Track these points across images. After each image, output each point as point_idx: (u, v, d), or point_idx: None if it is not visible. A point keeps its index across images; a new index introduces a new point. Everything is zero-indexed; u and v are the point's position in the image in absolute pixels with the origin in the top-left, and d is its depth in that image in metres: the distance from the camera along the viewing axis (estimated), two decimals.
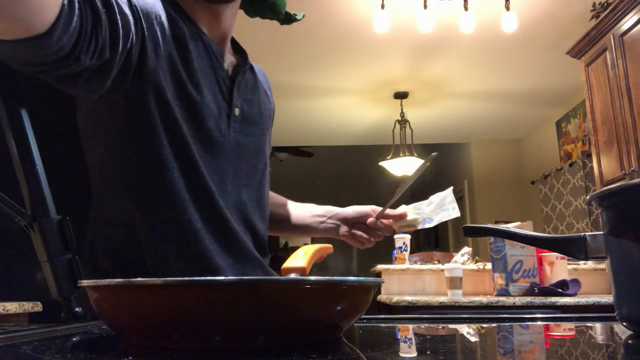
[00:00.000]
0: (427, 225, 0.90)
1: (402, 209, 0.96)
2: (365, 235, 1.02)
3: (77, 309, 0.68)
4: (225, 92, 0.89)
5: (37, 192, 0.65)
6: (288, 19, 0.99)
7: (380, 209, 0.99)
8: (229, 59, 0.95)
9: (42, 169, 0.65)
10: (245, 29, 3.66)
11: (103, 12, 0.64)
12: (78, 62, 0.63)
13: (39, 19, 0.55)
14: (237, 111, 0.90)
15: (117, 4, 0.67)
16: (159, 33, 0.78)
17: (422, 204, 0.93)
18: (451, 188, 0.94)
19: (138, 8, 0.74)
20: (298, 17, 1.00)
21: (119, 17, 0.67)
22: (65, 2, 0.57)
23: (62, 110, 2.21)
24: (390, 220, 0.98)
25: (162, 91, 0.79)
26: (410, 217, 0.92)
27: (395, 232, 0.93)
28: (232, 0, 0.88)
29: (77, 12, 0.59)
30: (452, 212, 0.89)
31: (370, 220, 0.99)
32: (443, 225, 7.79)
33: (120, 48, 0.68)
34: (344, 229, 1.05)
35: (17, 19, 0.53)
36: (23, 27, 0.54)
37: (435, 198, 0.92)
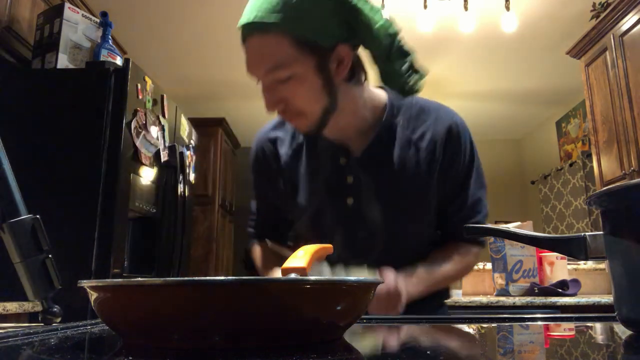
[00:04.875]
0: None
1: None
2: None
3: (55, 308, 0.68)
4: (336, 187, 0.99)
5: (5, 192, 0.64)
6: (409, 91, 0.95)
7: None
8: (360, 142, 1.00)
9: (9, 168, 0.64)
10: None
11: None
12: None
13: None
14: (350, 201, 0.98)
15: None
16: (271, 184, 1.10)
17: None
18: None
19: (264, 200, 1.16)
20: (417, 89, 0.93)
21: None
22: None
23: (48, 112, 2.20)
24: None
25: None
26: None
27: None
28: (320, 130, 0.95)
29: None
30: None
31: None
32: None
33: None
34: None
35: None
36: None
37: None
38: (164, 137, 2.47)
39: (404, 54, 0.91)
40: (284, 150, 1.06)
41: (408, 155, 0.99)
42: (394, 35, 0.90)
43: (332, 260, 0.86)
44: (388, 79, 0.93)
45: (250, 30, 0.88)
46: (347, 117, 0.96)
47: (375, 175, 0.97)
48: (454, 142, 1.00)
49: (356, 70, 0.95)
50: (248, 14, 0.88)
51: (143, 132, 2.26)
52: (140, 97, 2.27)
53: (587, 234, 0.51)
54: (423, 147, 0.99)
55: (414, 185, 0.98)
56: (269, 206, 1.15)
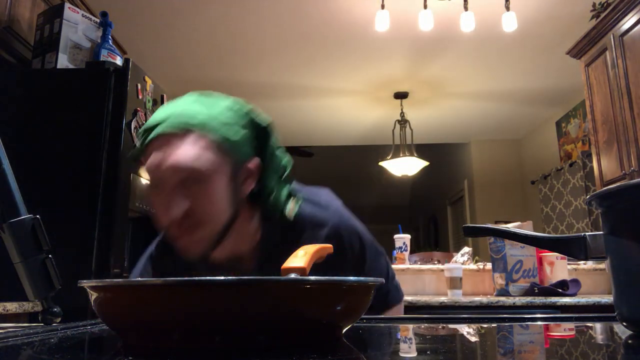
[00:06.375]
0: None
1: None
2: None
3: (55, 308, 0.68)
4: None
5: (5, 192, 0.63)
6: (282, 217, 0.96)
7: None
8: (250, 264, 0.96)
9: (9, 168, 0.64)
10: (246, 28, 3.65)
11: None
12: None
13: None
14: None
15: None
16: None
17: None
18: None
19: None
20: (288, 216, 0.96)
21: None
22: None
23: (48, 108, 2.20)
24: None
25: None
26: None
27: None
28: (209, 252, 0.88)
29: None
30: None
31: None
32: (443, 225, 7.79)
33: None
34: None
35: None
36: None
37: None
38: None
39: (288, 181, 0.96)
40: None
41: None
42: (288, 163, 0.96)
43: None
44: (268, 201, 0.93)
45: (164, 128, 0.83)
46: (238, 237, 0.92)
47: None
48: (335, 247, 0.89)
49: (255, 189, 0.91)
50: (163, 117, 0.84)
51: None
52: (140, 97, 2.27)
53: (587, 234, 0.51)
54: None
55: None
56: None
